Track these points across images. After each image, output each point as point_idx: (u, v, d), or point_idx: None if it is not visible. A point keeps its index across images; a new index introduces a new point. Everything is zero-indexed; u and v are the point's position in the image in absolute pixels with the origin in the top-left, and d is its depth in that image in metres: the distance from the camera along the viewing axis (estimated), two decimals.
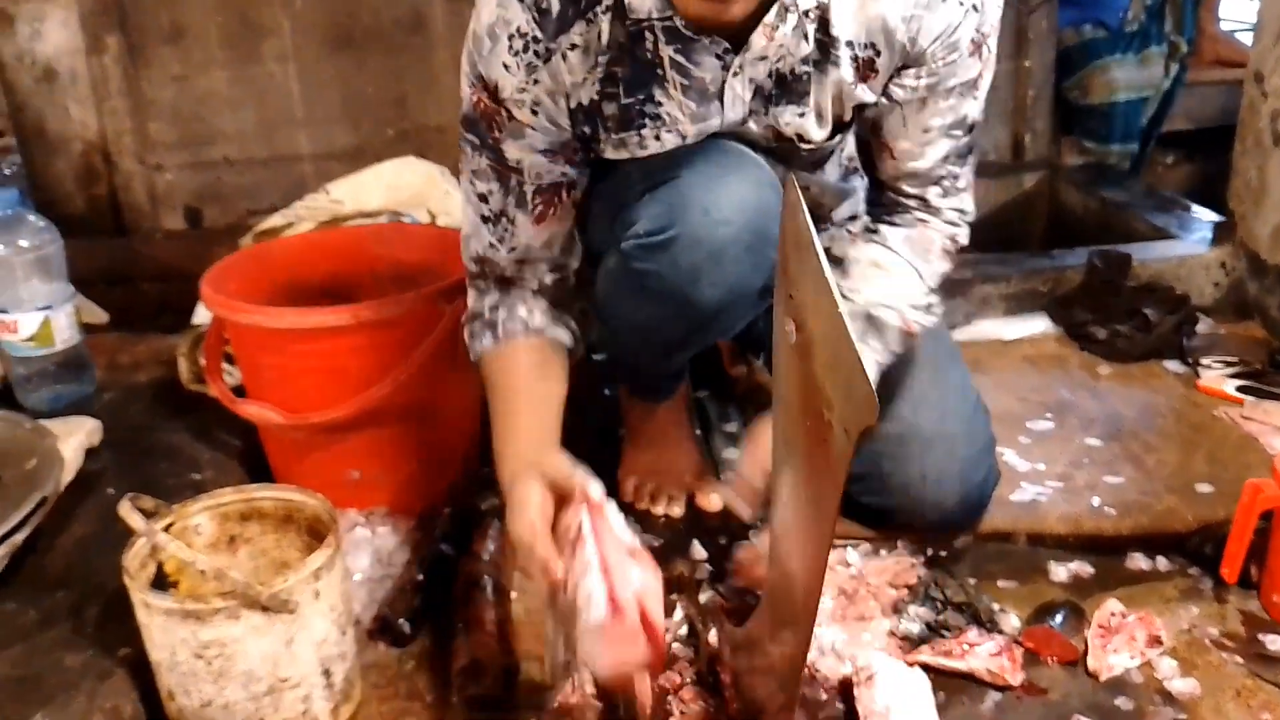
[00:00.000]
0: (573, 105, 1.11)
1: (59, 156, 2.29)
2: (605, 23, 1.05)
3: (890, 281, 1.22)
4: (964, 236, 1.27)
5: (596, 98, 1.10)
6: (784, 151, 1.20)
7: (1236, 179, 1.99)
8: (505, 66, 1.07)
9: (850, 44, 1.09)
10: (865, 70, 1.12)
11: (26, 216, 1.64)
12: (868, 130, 1.21)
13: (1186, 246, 2.05)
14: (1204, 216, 2.18)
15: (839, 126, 1.19)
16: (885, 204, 1.26)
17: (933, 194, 1.22)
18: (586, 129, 1.13)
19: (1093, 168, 2.63)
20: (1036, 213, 2.60)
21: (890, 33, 1.08)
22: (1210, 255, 2.00)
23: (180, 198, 2.35)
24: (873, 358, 1.20)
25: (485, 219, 1.19)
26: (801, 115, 1.15)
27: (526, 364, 1.19)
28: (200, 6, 2.23)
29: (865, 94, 1.14)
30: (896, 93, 1.14)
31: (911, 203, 1.23)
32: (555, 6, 1.05)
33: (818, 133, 1.17)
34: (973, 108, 1.17)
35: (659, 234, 1.11)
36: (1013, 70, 2.54)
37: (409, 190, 1.88)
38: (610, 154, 1.16)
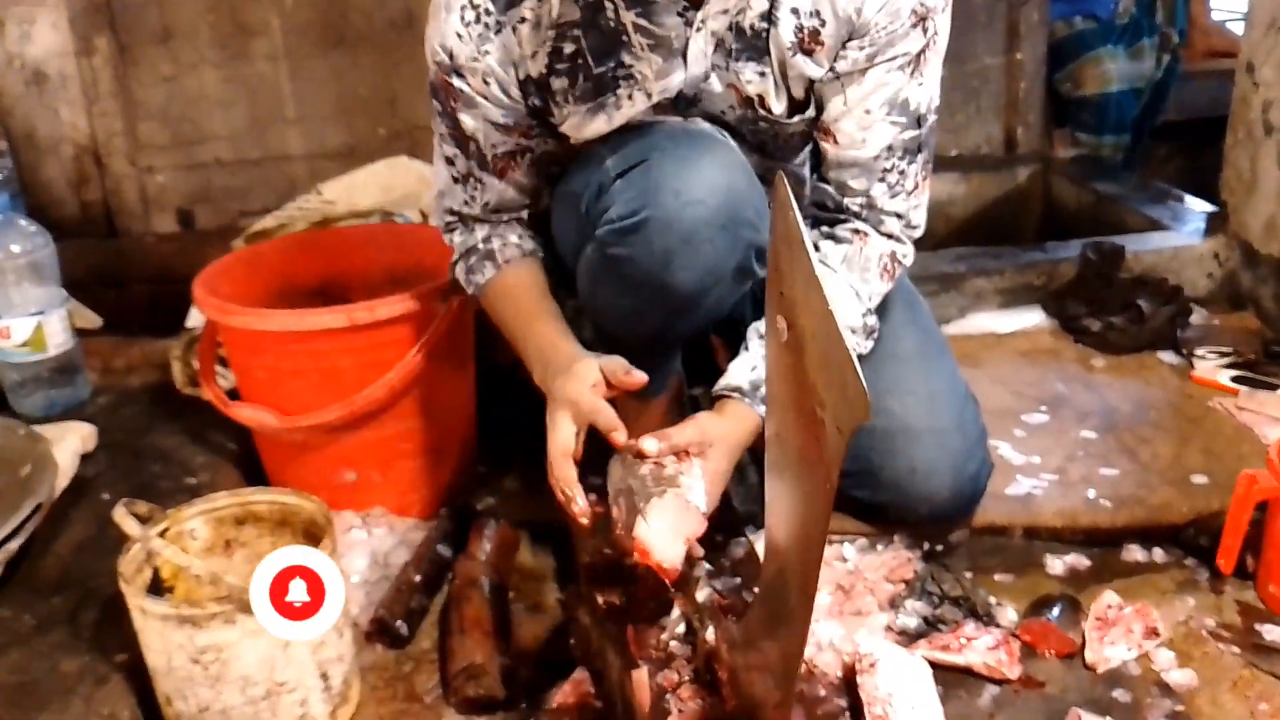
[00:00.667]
0: (521, 76, 1.16)
1: (50, 159, 2.29)
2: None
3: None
4: (906, 255, 1.26)
5: (545, 71, 1.15)
6: (753, 131, 1.21)
7: (1229, 170, 1.99)
8: (458, 35, 1.13)
9: (795, 11, 1.12)
10: (810, 41, 1.13)
11: (18, 221, 1.64)
12: (814, 122, 1.22)
13: (1180, 238, 2.06)
14: (1197, 208, 2.19)
15: (797, 106, 1.20)
16: (829, 209, 1.25)
17: (878, 191, 1.21)
18: (536, 101, 1.18)
19: (1085, 160, 2.63)
20: (1030, 206, 2.60)
21: (835, 3, 1.11)
22: (1203, 246, 2.01)
23: (172, 199, 2.34)
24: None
25: (455, 179, 1.26)
26: (762, 75, 1.16)
27: (533, 282, 1.26)
28: (190, 6, 2.23)
29: (808, 66, 1.15)
30: (839, 65, 1.15)
31: (855, 202, 1.22)
32: None
33: (776, 102, 1.19)
34: (916, 92, 1.16)
35: (631, 218, 1.12)
36: (1004, 64, 2.54)
37: (401, 190, 1.88)
38: (574, 128, 1.18)
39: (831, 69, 1.15)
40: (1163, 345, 1.80)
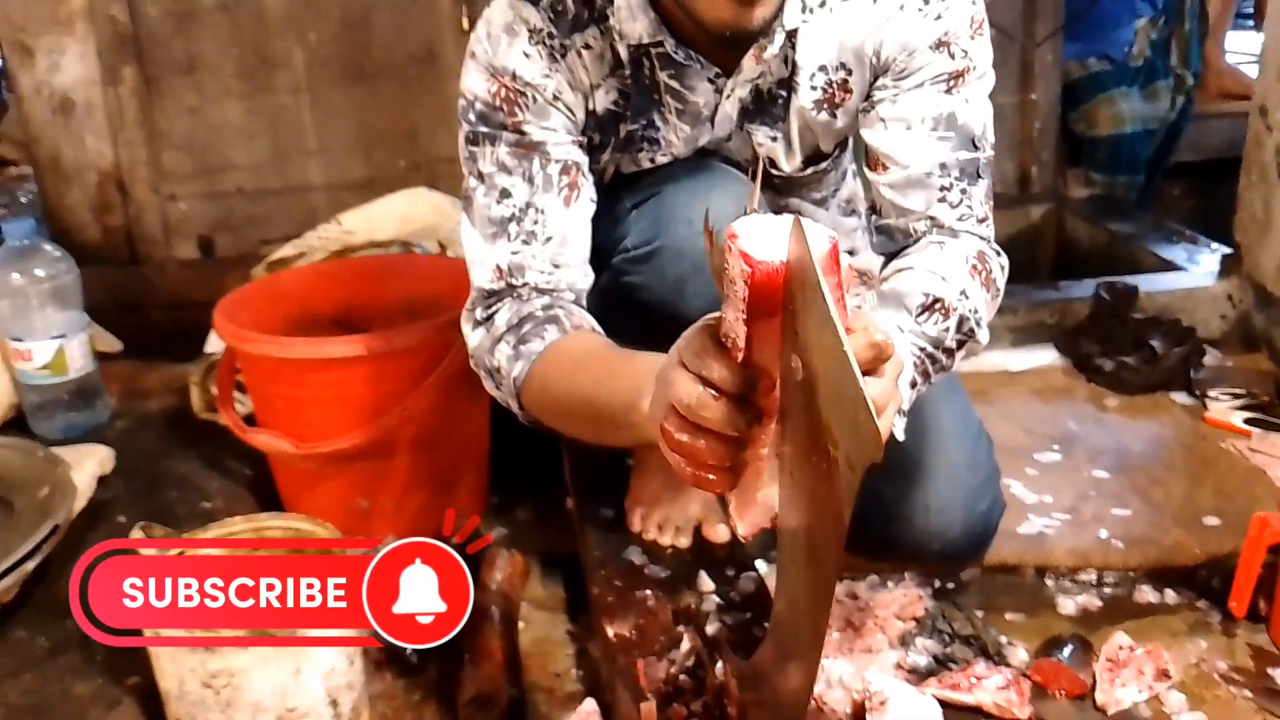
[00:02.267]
0: (590, 108, 1.12)
1: (74, 186, 2.32)
2: (617, 42, 1.09)
3: (902, 280, 1.11)
4: (995, 265, 1.15)
5: (615, 109, 1.13)
6: (764, 178, 1.22)
7: (1242, 211, 2.00)
8: (525, 55, 1.08)
9: (823, 68, 1.12)
10: (840, 92, 1.13)
11: (42, 246, 1.67)
12: (864, 161, 1.19)
13: (1193, 279, 2.06)
14: (1210, 249, 2.19)
15: (815, 158, 1.21)
16: (896, 240, 1.19)
17: (942, 211, 1.13)
18: (596, 136, 1.15)
19: (1099, 200, 2.64)
20: (1043, 244, 2.61)
21: (858, 49, 1.11)
22: (1217, 288, 2.01)
23: (193, 227, 2.37)
24: (901, 339, 1.05)
25: (506, 220, 1.11)
26: (774, 139, 1.18)
27: (608, 343, 1.07)
28: (215, 39, 2.27)
29: (834, 120, 1.15)
30: (866, 106, 1.14)
31: (921, 224, 1.15)
32: (571, 8, 1.09)
33: (786, 162, 1.19)
34: (964, 110, 1.11)
35: (644, 246, 1.14)
36: (1018, 103, 2.56)
37: (420, 221, 1.90)
38: (604, 165, 1.18)
39: (867, 102, 1.14)
40: (1176, 386, 1.80)
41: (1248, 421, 1.68)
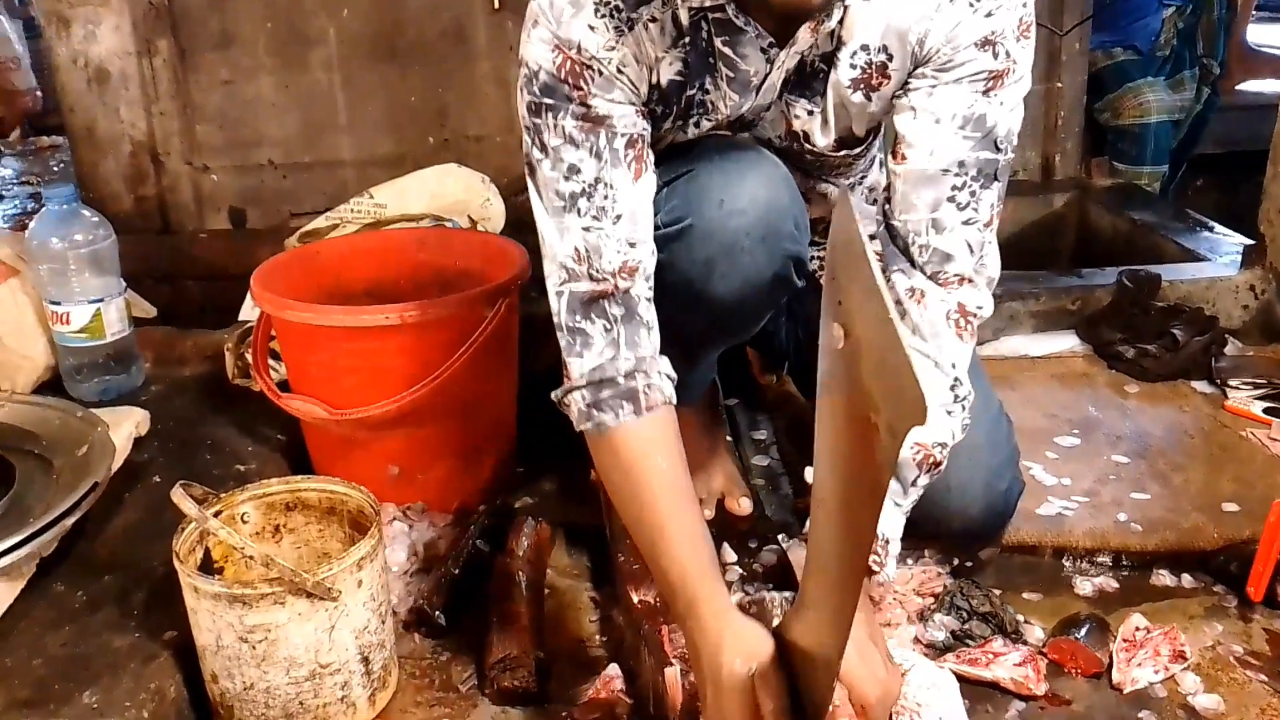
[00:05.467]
0: (654, 80, 1.10)
1: (108, 156, 2.35)
2: (679, 7, 1.07)
3: None
4: (982, 307, 1.15)
5: (677, 79, 1.11)
6: (796, 156, 1.22)
7: (1268, 203, 2.00)
8: (590, 28, 1.05)
9: (865, 47, 1.11)
10: (877, 75, 1.12)
11: (81, 212, 1.69)
12: (887, 150, 1.18)
13: (1216, 269, 2.07)
14: (1233, 239, 2.20)
15: (848, 140, 1.21)
16: (889, 261, 1.16)
17: (947, 213, 1.12)
18: (659, 108, 1.13)
19: (1122, 189, 2.64)
20: (1065, 232, 2.61)
21: (903, 34, 1.10)
22: (1240, 278, 2.02)
23: (225, 199, 2.40)
24: (890, 503, 1.10)
25: (575, 196, 1.07)
26: (810, 113, 1.17)
27: (675, 453, 1.07)
28: (250, 15, 2.29)
29: (869, 104, 1.15)
30: (909, 84, 1.13)
31: (921, 227, 1.13)
32: None
33: (821, 137, 1.19)
34: (995, 112, 1.10)
35: (674, 225, 1.14)
36: (1044, 92, 2.56)
37: (451, 197, 1.92)
38: (661, 135, 1.17)
39: (903, 89, 1.13)
40: (1197, 374, 1.81)
41: (1268, 411, 1.69)
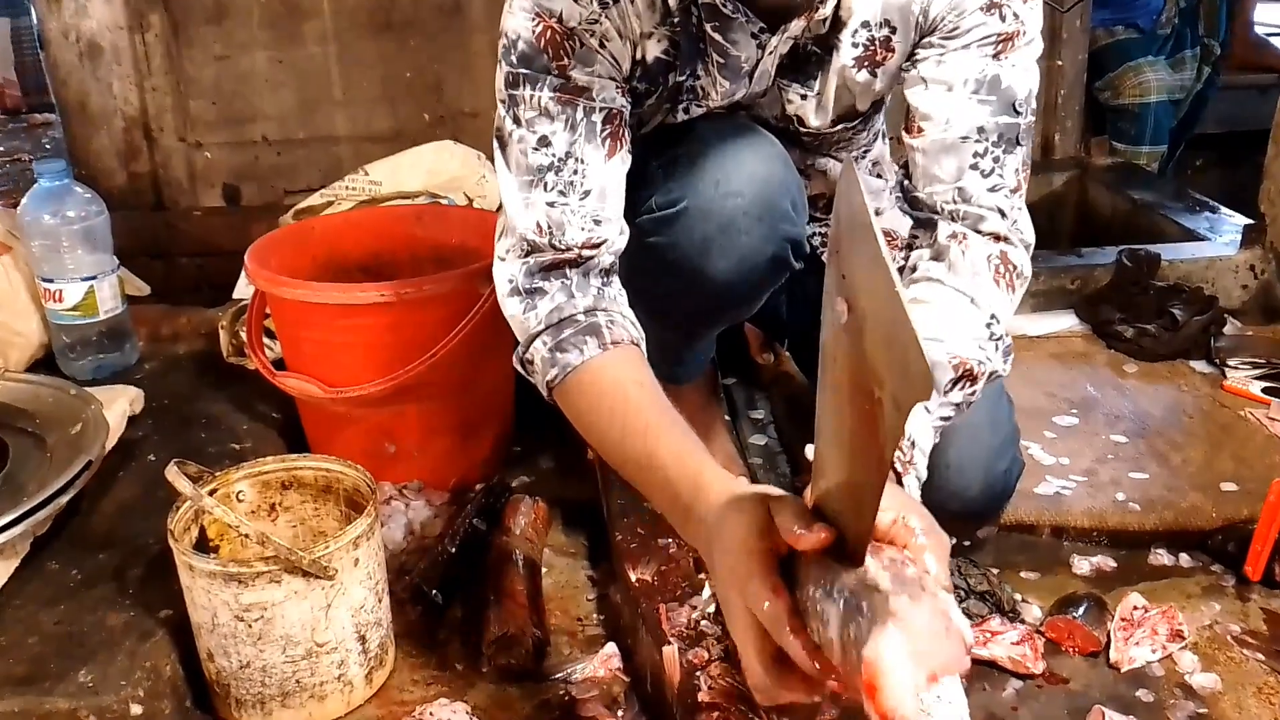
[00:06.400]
0: (638, 57, 1.07)
1: (100, 132, 2.33)
2: None
3: (933, 314, 1.04)
4: (1023, 262, 1.10)
5: (663, 57, 1.09)
6: (792, 135, 1.21)
7: (1268, 182, 1.99)
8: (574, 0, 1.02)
9: (866, 24, 1.09)
10: (881, 50, 1.11)
11: (73, 187, 1.67)
12: (903, 124, 1.14)
13: (1215, 248, 2.06)
14: (1233, 219, 2.19)
15: (848, 116, 1.20)
16: (920, 220, 1.13)
17: (971, 181, 1.07)
18: (642, 85, 1.10)
19: (1122, 168, 2.63)
20: (1065, 211, 2.60)
21: (905, 7, 1.08)
22: (1239, 258, 2.01)
23: (219, 175, 2.38)
24: (924, 417, 1.01)
25: (544, 169, 1.04)
26: (804, 97, 1.16)
27: (646, 378, 0.99)
28: None
29: (874, 80, 1.13)
30: (909, 65, 1.11)
31: (947, 195, 1.09)
32: None
33: (814, 119, 1.18)
34: (1010, 74, 1.06)
35: (671, 206, 1.13)
36: (1044, 69, 2.53)
37: (446, 174, 1.91)
38: (644, 115, 1.16)
39: (910, 61, 1.11)
40: (1195, 354, 1.80)
41: (1266, 391, 1.69)
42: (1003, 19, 1.06)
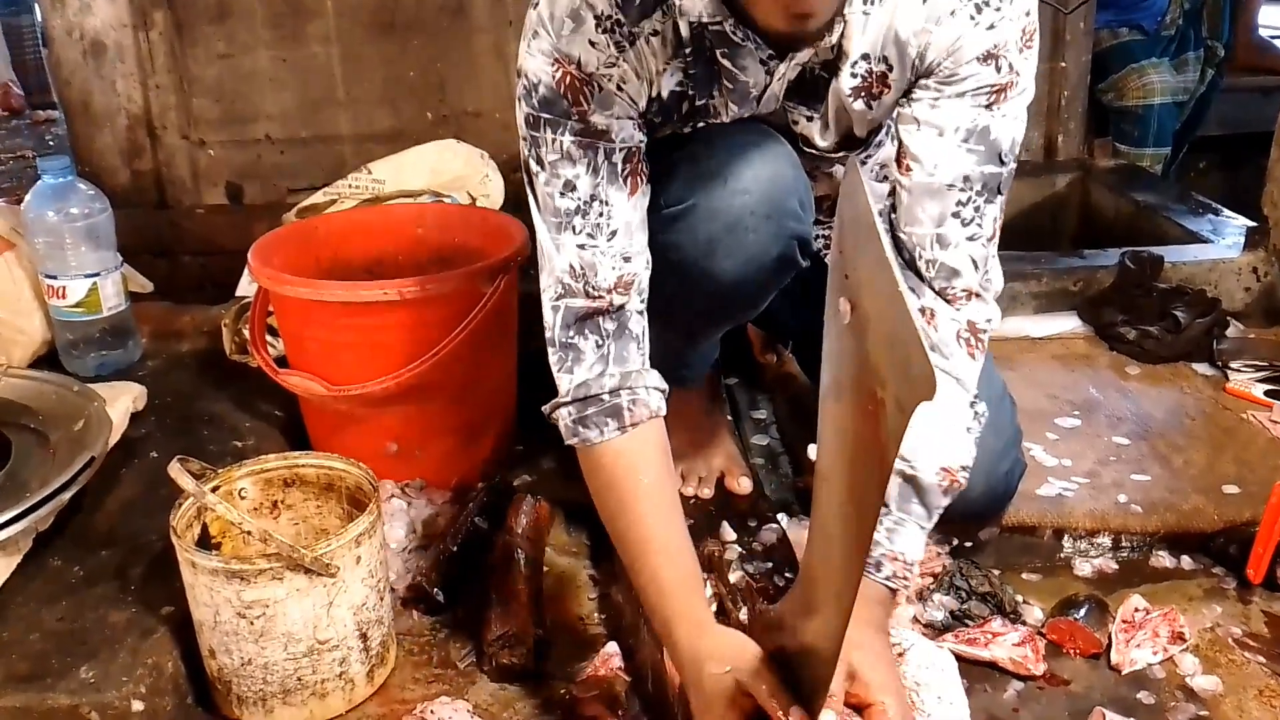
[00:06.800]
0: (653, 94, 1.09)
1: (104, 130, 2.33)
2: (679, 18, 1.05)
3: (927, 417, 1.11)
4: (990, 320, 1.14)
5: (677, 89, 1.09)
6: (798, 150, 1.21)
7: (1271, 185, 1.99)
8: (591, 44, 1.04)
9: (866, 56, 1.09)
10: (878, 84, 1.11)
11: (77, 185, 1.67)
12: (894, 166, 1.13)
13: (1218, 250, 2.06)
14: (1236, 221, 2.19)
15: (849, 142, 1.19)
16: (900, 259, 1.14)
17: (952, 228, 1.10)
18: (658, 119, 1.12)
19: (1125, 170, 2.63)
20: (1068, 213, 2.60)
21: (903, 45, 1.07)
22: (1242, 260, 2.01)
23: (222, 174, 2.38)
24: (914, 525, 1.10)
25: (571, 213, 1.08)
26: (810, 119, 1.16)
27: (658, 471, 1.08)
28: None
29: (869, 111, 1.13)
30: (912, 95, 1.11)
31: (924, 248, 1.11)
32: None
33: (821, 140, 1.18)
34: (999, 125, 1.08)
35: (678, 205, 1.13)
36: (1047, 70, 2.55)
37: (450, 173, 1.91)
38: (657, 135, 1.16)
39: (905, 99, 1.11)
40: (1198, 356, 1.80)
41: (1269, 393, 1.68)
42: (998, 70, 1.06)
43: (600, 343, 1.10)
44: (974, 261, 1.12)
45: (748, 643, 0.97)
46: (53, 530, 1.29)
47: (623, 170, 1.09)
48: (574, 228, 1.08)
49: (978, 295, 1.13)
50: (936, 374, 1.02)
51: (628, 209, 1.09)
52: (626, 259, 1.09)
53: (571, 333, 1.10)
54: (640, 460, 1.08)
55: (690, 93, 1.10)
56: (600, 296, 1.09)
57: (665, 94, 1.09)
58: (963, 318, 1.13)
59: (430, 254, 1.63)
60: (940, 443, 1.09)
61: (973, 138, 1.08)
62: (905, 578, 1.09)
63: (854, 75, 1.10)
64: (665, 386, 1.12)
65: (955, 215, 1.10)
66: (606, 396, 1.08)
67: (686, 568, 1.05)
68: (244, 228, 1.98)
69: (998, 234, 1.14)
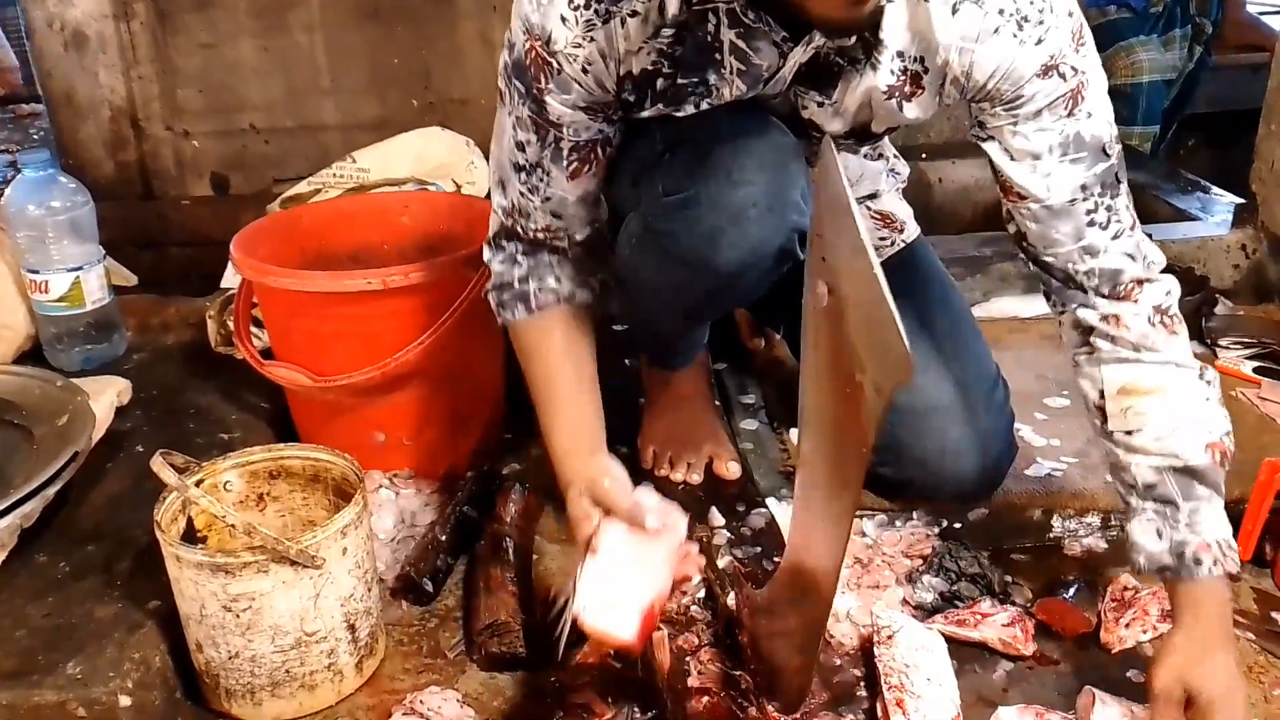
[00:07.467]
0: (623, 72, 1.08)
1: (87, 122, 2.31)
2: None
3: (1170, 405, 1.08)
4: (1170, 293, 1.11)
5: (650, 69, 1.08)
6: (800, 129, 1.20)
7: (1259, 162, 1.99)
8: (562, 19, 1.04)
9: (901, 54, 1.07)
10: (912, 84, 1.09)
11: (58, 178, 1.66)
12: (1002, 192, 1.12)
13: (1207, 228, 2.06)
14: (1224, 199, 2.18)
15: (864, 134, 1.18)
16: (1063, 299, 1.15)
17: (1094, 236, 1.09)
18: (632, 97, 1.11)
19: None
20: None
21: (934, 51, 1.05)
22: (1231, 238, 2.01)
23: (207, 165, 2.36)
24: (1208, 506, 1.08)
25: (519, 167, 1.16)
26: (821, 105, 1.14)
27: (562, 343, 1.22)
28: None
29: (901, 110, 1.11)
30: (980, 129, 1.10)
31: (1080, 267, 1.10)
32: None
33: (831, 126, 1.16)
34: (1088, 125, 1.06)
35: (679, 194, 1.12)
36: (1088, 53, 2.52)
37: (435, 161, 1.90)
38: (645, 114, 1.15)
39: (975, 133, 1.10)
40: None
41: (1258, 370, 1.69)
42: (1063, 78, 1.04)
43: (514, 251, 1.23)
44: (1129, 256, 1.10)
45: (612, 467, 1.09)
46: (38, 526, 1.28)
47: (568, 157, 1.14)
48: (520, 177, 1.17)
49: (1148, 281, 1.11)
50: (1158, 370, 1.07)
51: (566, 187, 1.17)
52: (558, 216, 1.19)
53: (501, 239, 1.24)
54: (546, 337, 1.22)
55: (668, 72, 1.09)
56: (529, 236, 1.21)
57: (637, 71, 1.08)
58: (1146, 307, 1.10)
59: (416, 242, 1.62)
60: (1192, 423, 1.07)
61: (1070, 148, 1.06)
62: (1227, 556, 1.05)
63: (892, 72, 1.08)
64: (586, 291, 1.24)
65: (1091, 224, 1.08)
66: (516, 285, 1.22)
67: (583, 417, 1.18)
68: (230, 218, 1.96)
69: (1136, 219, 1.12)
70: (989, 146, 1.10)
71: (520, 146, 1.15)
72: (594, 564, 1.01)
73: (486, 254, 1.25)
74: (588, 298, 1.25)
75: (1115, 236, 1.09)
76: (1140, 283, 1.10)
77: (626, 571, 1.00)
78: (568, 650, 1.15)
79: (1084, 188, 1.07)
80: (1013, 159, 1.08)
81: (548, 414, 1.20)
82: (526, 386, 1.25)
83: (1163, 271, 1.13)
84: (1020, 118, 1.06)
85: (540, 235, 1.20)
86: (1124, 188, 1.10)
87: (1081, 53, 1.05)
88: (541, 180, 1.16)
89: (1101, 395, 1.11)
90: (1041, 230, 1.10)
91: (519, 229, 1.20)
